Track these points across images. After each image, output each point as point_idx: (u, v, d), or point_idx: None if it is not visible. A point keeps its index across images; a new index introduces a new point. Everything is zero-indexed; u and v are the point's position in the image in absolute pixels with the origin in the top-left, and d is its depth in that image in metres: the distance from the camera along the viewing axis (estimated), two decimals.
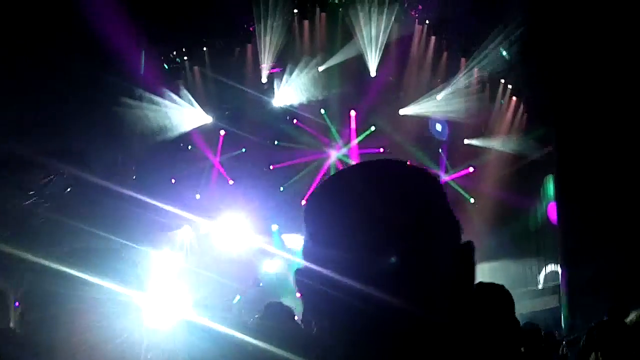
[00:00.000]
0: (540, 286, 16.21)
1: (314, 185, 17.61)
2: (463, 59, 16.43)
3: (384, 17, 15.73)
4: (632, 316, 5.74)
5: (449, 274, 1.11)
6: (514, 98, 16.78)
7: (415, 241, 1.08)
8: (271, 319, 5.48)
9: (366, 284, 1.07)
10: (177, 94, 15.61)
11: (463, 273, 1.15)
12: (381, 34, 15.97)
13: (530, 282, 16.45)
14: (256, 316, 6.31)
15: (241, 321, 6.06)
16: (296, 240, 17.61)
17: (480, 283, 3.97)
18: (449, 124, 17.33)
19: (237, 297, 15.12)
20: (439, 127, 16.46)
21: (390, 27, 15.85)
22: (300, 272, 1.17)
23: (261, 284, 14.69)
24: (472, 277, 1.18)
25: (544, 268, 16.17)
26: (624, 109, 12.57)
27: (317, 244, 1.14)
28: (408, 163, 1.20)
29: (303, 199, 17.50)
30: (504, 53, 15.31)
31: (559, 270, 14.92)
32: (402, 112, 16.92)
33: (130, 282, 2.03)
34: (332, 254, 1.10)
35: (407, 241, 1.08)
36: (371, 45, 16.20)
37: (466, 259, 1.17)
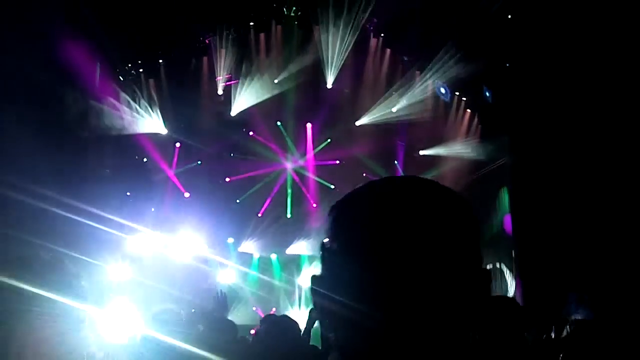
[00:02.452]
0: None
1: (270, 197, 18.06)
2: (417, 72, 16.82)
3: (340, 30, 16.04)
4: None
5: (466, 300, 1.16)
6: (468, 110, 17.20)
7: (440, 267, 1.12)
8: (278, 335, 5.29)
9: (385, 304, 1.12)
10: (133, 103, 15.76)
11: (479, 299, 1.19)
12: (337, 46, 16.26)
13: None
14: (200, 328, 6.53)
15: (196, 334, 6.30)
16: (250, 250, 17.97)
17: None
18: (404, 135, 17.77)
19: (192, 310, 15.34)
20: (442, 90, 16.60)
21: (346, 40, 16.15)
22: (318, 280, 1.23)
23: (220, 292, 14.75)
24: (487, 304, 1.22)
25: (500, 279, 16.44)
26: (576, 121, 12.92)
27: (345, 255, 1.18)
28: (443, 187, 1.25)
29: (259, 212, 17.88)
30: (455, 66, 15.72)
31: (514, 281, 15.28)
32: (358, 123, 17.30)
33: (80, 295, 2.10)
34: (359, 268, 1.14)
35: (432, 267, 1.12)
36: (327, 57, 16.54)
37: (484, 287, 1.21)
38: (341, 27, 16.05)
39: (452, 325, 1.14)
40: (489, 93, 16.04)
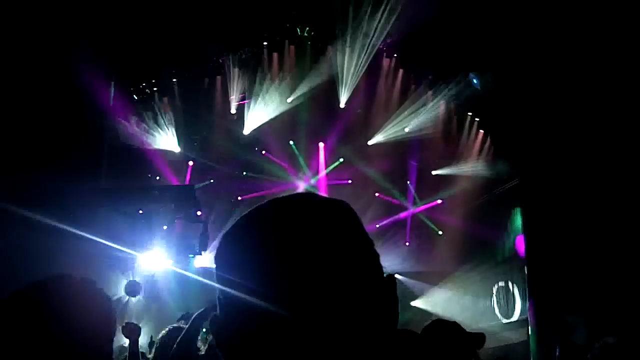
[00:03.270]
0: (508, 319, 16.46)
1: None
2: (430, 92, 16.96)
3: (353, 50, 16.21)
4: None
5: (369, 307, 1.13)
6: (481, 131, 17.26)
7: (329, 276, 1.10)
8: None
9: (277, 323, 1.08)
10: (146, 122, 15.97)
11: (383, 303, 1.17)
12: (350, 66, 16.45)
13: (498, 316, 16.82)
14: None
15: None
16: None
17: (438, 320, 4.37)
18: (417, 155, 17.91)
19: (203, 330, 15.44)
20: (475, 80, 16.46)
21: (359, 59, 16.31)
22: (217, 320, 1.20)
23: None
24: (394, 307, 1.19)
25: (513, 301, 16.44)
26: (589, 143, 12.99)
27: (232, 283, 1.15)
28: (319, 196, 1.24)
29: None
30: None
31: (527, 303, 15.18)
32: (370, 142, 17.47)
33: (110, 314, 2.18)
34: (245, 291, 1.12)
35: (320, 277, 1.09)
36: (340, 77, 16.73)
37: (387, 292, 1.19)
38: (354, 47, 16.21)
39: (352, 329, 1.10)
40: (476, 80, 16.00)
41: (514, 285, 16.40)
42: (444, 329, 4.09)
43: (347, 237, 1.16)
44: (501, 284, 16.96)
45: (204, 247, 9.32)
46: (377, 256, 1.20)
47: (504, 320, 16.46)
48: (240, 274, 1.13)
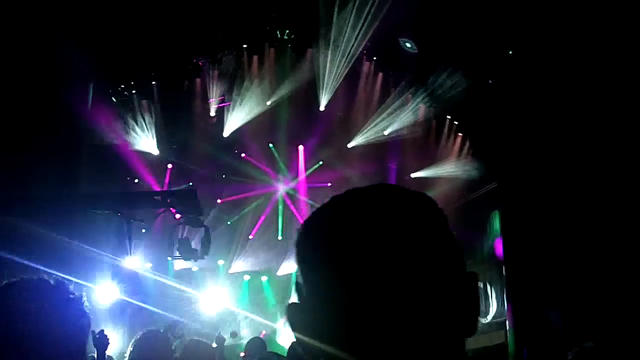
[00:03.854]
0: (486, 321, 16.45)
1: (262, 219, 18.21)
2: (410, 96, 17.05)
3: (334, 53, 16.25)
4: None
5: (452, 303, 1.11)
6: (460, 134, 17.38)
7: (415, 271, 1.07)
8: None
9: (369, 319, 1.07)
10: (125, 124, 15.92)
11: (467, 302, 1.16)
12: (330, 69, 16.49)
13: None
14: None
15: None
16: (240, 272, 18.08)
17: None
18: (396, 158, 18.01)
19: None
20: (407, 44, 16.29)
21: (339, 63, 16.36)
22: (294, 307, 1.17)
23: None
24: (477, 305, 1.19)
25: (491, 303, 16.57)
26: (566, 145, 13.10)
27: (317, 273, 1.14)
28: (404, 189, 1.22)
29: (250, 234, 18.03)
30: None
31: (505, 305, 15.17)
32: (350, 145, 17.56)
33: (84, 317, 2.16)
34: (334, 284, 1.09)
35: (406, 271, 1.07)
36: (320, 80, 16.75)
37: (470, 287, 1.18)
38: (334, 50, 16.24)
39: (443, 343, 1.10)
40: (409, 44, 15.98)
41: (492, 287, 16.48)
42: None
43: (433, 231, 1.15)
44: (480, 285, 16.99)
45: (206, 251, 9.43)
46: (461, 251, 1.19)
47: (483, 321, 16.53)
48: (322, 264, 1.12)
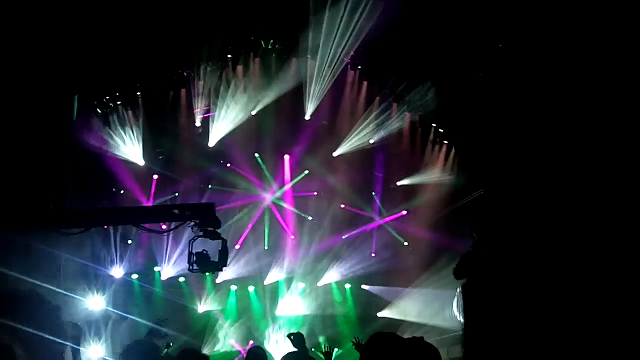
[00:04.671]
0: None
1: (248, 228, 18.25)
2: (395, 104, 17.23)
3: (319, 62, 16.35)
4: None
5: None
6: (445, 142, 17.48)
7: None
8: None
9: None
10: (110, 135, 15.93)
11: None
12: (315, 78, 16.59)
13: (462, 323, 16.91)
14: None
15: None
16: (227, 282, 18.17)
17: (414, 338, 4.45)
18: (382, 166, 18.13)
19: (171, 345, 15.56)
20: None
21: (324, 72, 16.45)
22: None
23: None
24: None
25: None
26: (552, 153, 13.24)
27: None
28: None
29: (237, 243, 18.09)
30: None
31: None
32: (335, 154, 17.68)
33: (60, 329, 2.23)
34: None
35: None
36: (306, 89, 16.88)
37: None
38: (319, 60, 16.36)
39: None
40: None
41: None
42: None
43: None
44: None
45: (223, 263, 9.67)
46: None
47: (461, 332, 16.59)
48: None
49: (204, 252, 10.44)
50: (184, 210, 9.57)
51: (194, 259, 10.32)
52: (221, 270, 11.08)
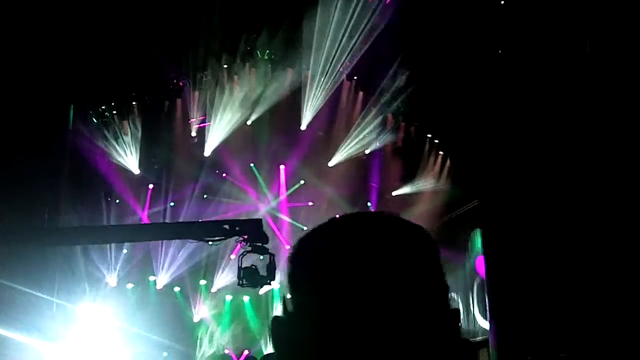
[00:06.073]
0: (474, 339, 16.45)
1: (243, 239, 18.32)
2: (390, 115, 17.37)
3: (314, 73, 16.53)
4: None
5: (434, 337, 1.12)
6: (440, 152, 17.60)
7: (403, 303, 1.10)
8: None
9: (355, 343, 1.09)
10: (106, 145, 16.09)
11: (449, 337, 1.17)
12: (311, 89, 16.79)
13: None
14: None
15: None
16: (222, 291, 18.22)
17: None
18: (377, 177, 18.24)
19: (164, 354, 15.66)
20: None
21: (320, 82, 16.65)
22: (280, 321, 1.19)
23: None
24: (458, 339, 1.20)
25: (475, 322, 16.73)
26: (547, 163, 13.30)
27: (306, 294, 1.16)
28: (401, 220, 1.23)
29: (232, 253, 18.17)
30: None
31: (488, 324, 15.29)
32: (331, 164, 17.79)
33: (55, 338, 2.45)
34: (322, 307, 1.11)
35: (395, 303, 1.09)
36: (301, 99, 17.03)
37: (451, 323, 1.19)
38: (315, 71, 16.53)
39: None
40: None
41: (473, 306, 16.64)
42: None
43: (420, 264, 1.16)
44: (459, 306, 17.16)
45: (272, 277, 10.05)
46: (446, 287, 1.21)
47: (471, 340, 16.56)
48: (312, 284, 1.15)
49: (253, 267, 10.78)
50: (234, 226, 9.93)
51: (243, 274, 10.67)
52: (269, 284, 11.41)
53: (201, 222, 15.03)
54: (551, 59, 12.68)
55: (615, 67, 11.90)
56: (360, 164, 18.01)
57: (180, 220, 16.99)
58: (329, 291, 1.11)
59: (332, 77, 16.69)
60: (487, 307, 15.34)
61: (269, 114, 17.21)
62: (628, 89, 11.83)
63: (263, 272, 10.90)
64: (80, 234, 11.02)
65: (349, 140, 17.64)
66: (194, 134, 17.40)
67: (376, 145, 17.66)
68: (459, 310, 1.20)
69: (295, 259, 1.23)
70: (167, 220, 17.04)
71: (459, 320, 1.20)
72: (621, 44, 11.70)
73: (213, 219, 17.50)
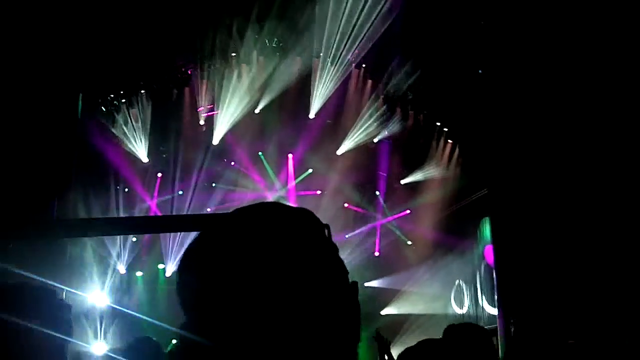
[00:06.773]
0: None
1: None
2: (399, 103, 17.43)
3: (322, 61, 16.62)
4: None
5: (335, 313, 1.17)
6: (450, 141, 17.67)
7: (296, 286, 1.13)
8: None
9: (248, 330, 1.12)
10: (115, 134, 16.19)
11: (345, 309, 1.20)
12: (319, 77, 16.87)
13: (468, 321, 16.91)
14: None
15: None
16: None
17: (452, 325, 4.48)
18: (386, 165, 18.26)
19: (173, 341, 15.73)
20: None
21: (328, 70, 16.71)
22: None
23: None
24: (357, 314, 1.23)
25: (483, 311, 16.78)
26: (556, 152, 13.29)
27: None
28: (282, 205, 1.28)
29: None
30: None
31: (497, 312, 15.33)
32: (339, 153, 17.84)
33: (66, 327, 2.27)
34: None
35: (288, 286, 1.13)
36: (310, 88, 17.10)
37: (349, 297, 1.22)
38: (324, 59, 16.59)
39: (316, 336, 1.15)
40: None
41: (482, 294, 16.70)
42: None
43: (309, 243, 1.20)
44: (469, 295, 17.26)
45: None
46: (341, 262, 1.25)
47: None
48: (206, 279, 1.17)
49: None
50: None
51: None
52: None
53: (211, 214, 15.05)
54: (563, 44, 12.66)
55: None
56: (368, 152, 18.06)
57: (188, 208, 17.20)
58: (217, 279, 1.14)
59: (341, 65, 16.70)
60: (496, 296, 15.40)
61: (277, 102, 17.23)
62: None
63: None
64: (89, 226, 11.04)
65: (357, 129, 17.69)
66: (202, 122, 17.46)
67: (384, 133, 17.70)
68: (356, 283, 1.25)
69: (189, 258, 1.25)
70: (175, 209, 17.14)
71: (357, 293, 1.25)
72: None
73: (221, 206, 17.58)
